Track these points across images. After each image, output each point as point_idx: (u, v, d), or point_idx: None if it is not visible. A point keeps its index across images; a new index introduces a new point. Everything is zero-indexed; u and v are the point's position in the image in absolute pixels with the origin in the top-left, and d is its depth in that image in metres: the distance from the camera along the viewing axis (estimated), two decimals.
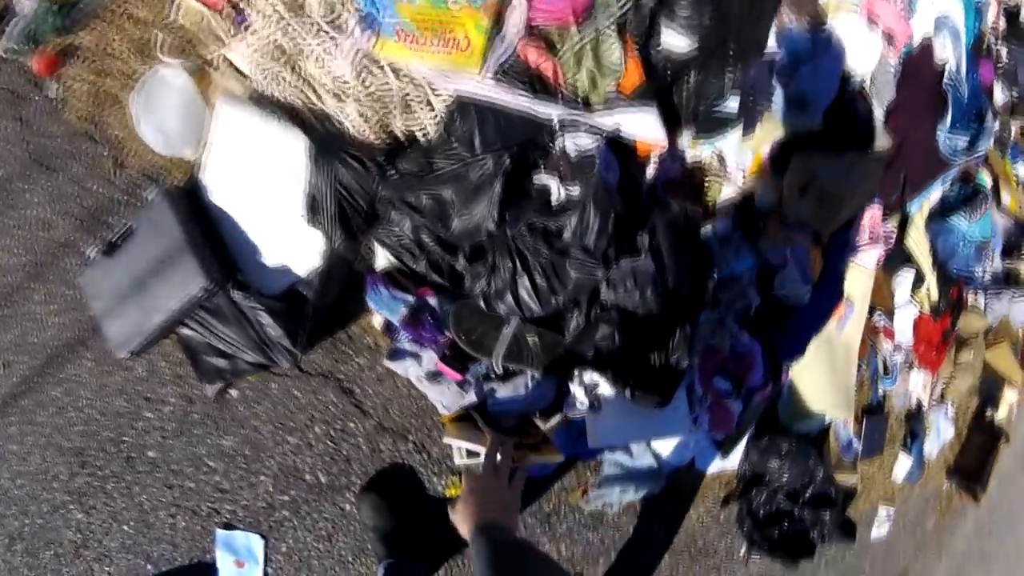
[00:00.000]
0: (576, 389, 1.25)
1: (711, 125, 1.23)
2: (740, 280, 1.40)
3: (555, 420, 1.25)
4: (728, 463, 1.60)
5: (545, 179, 1.07)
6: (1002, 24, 2.65)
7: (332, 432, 1.35)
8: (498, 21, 1.02)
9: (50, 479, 1.37)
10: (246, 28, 1.18)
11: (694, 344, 1.33)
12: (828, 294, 1.51)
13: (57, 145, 1.49)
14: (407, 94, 1.05)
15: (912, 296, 1.82)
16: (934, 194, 1.85)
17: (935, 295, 1.84)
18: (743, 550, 1.75)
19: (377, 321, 1.25)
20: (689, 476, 1.63)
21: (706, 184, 1.38)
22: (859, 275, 1.61)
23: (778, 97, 1.30)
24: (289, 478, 1.32)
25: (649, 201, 1.18)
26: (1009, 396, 2.30)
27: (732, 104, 1.21)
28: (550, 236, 1.05)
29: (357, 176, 1.06)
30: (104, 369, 1.37)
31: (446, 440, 0.70)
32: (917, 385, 1.93)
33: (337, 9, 1.06)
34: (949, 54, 1.73)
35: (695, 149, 1.27)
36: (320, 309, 1.15)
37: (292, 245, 1.14)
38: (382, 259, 1.16)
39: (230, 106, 1.15)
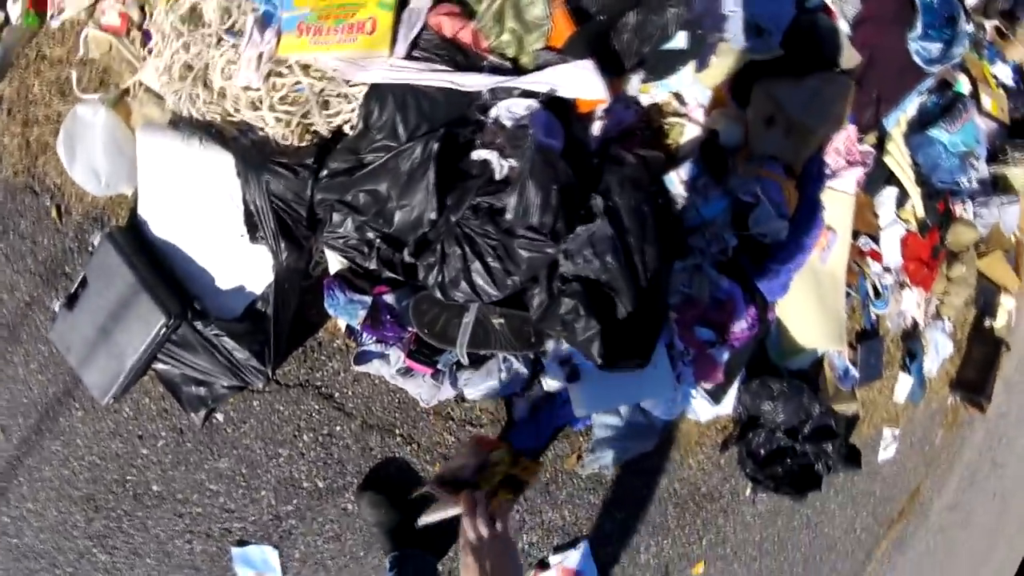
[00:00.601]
0: (551, 363, 1.22)
1: (661, 65, 1.15)
2: (713, 223, 1.34)
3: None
4: (721, 409, 1.57)
5: (484, 154, 1.01)
6: None
7: (320, 438, 1.35)
8: None
9: (69, 528, 1.41)
10: (149, 51, 1.11)
11: (669, 296, 1.29)
12: (807, 226, 1.43)
13: (0, 204, 1.46)
14: (322, 90, 0.99)
15: (897, 215, 1.74)
16: (911, 107, 1.73)
17: (921, 211, 1.75)
18: (748, 490, 1.76)
19: (342, 324, 1.22)
20: (684, 426, 1.62)
21: (666, 127, 1.31)
22: (838, 201, 1.53)
23: (732, 25, 1.20)
24: (288, 488, 1.34)
25: (601, 159, 1.12)
26: (1006, 303, 2.22)
27: (680, 40, 1.12)
28: (496, 215, 1.00)
29: (290, 184, 1.02)
30: (94, 416, 1.38)
31: (423, 523, 0.67)
32: (911, 304, 1.87)
33: (233, 14, 0.99)
34: None
35: (647, 93, 1.19)
36: (282, 322, 1.13)
37: (242, 265, 1.11)
38: (335, 262, 1.13)
39: (150, 134, 1.10)
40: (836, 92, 1.30)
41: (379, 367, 1.17)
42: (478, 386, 1.18)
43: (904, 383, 1.96)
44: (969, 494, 2.66)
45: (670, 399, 1.42)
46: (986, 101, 2.10)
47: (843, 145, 1.51)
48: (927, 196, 1.77)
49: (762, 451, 1.68)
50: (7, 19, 1.47)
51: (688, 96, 1.27)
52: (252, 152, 1.03)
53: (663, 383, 1.30)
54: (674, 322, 1.33)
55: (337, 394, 1.34)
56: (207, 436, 1.32)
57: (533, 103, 0.97)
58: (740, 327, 1.42)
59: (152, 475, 1.36)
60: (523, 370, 1.22)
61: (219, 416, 1.31)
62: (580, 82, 0.97)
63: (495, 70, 0.98)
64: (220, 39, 1.00)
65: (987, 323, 2.22)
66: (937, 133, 1.71)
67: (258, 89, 0.99)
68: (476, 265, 1.01)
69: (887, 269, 1.77)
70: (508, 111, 0.97)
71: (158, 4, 1.10)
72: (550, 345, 1.23)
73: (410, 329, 1.11)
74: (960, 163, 1.75)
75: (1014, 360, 2.50)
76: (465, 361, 1.11)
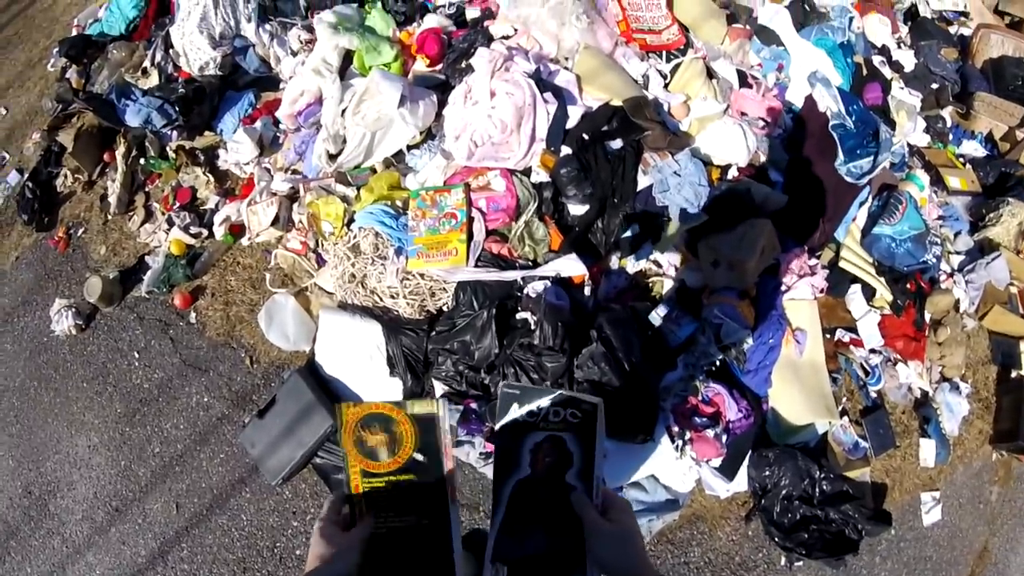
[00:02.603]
0: None
1: (628, 247, 2.49)
2: (698, 343, 2.56)
3: None
4: (737, 485, 2.62)
5: (523, 315, 2.35)
6: (904, 31, 3.89)
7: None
8: (470, 234, 2.37)
9: None
10: (323, 264, 2.62)
11: (670, 399, 2.48)
12: (769, 330, 2.61)
13: (203, 354, 3.00)
14: (431, 287, 2.41)
15: (871, 305, 2.85)
16: (860, 216, 2.94)
17: (888, 296, 2.86)
18: (783, 559, 2.69)
19: None
20: (707, 502, 2.67)
21: (650, 284, 2.61)
22: (799, 306, 2.72)
23: (672, 209, 2.55)
24: None
25: (595, 308, 2.42)
26: None
27: (636, 228, 2.48)
28: (532, 347, 2.30)
29: (413, 340, 2.39)
30: (260, 497, 2.71)
31: None
32: (910, 376, 2.89)
33: (380, 248, 2.47)
34: (828, 101, 2.92)
35: (626, 265, 2.52)
36: None
37: (382, 390, 2.46)
38: (439, 388, 2.45)
39: (328, 313, 2.56)
40: (757, 231, 2.53)
41: (468, 451, 2.43)
42: None
43: (927, 447, 2.88)
44: None
45: (680, 471, 2.52)
46: (954, 181, 3.29)
47: (795, 264, 2.74)
48: (894, 282, 2.89)
49: (786, 520, 2.66)
50: (212, 234, 3.12)
51: (663, 260, 2.59)
52: (391, 323, 2.44)
53: (665, 454, 2.44)
54: (671, 412, 2.49)
55: None
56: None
57: (546, 282, 2.33)
58: (736, 415, 2.55)
59: (298, 542, 2.62)
60: None
61: None
62: (570, 266, 2.33)
63: (524, 267, 2.36)
64: (373, 260, 2.47)
65: (1013, 374, 3.12)
66: (880, 229, 2.87)
67: (396, 287, 2.42)
68: (523, 378, 2.30)
69: (873, 351, 2.84)
70: (533, 289, 2.33)
71: (331, 239, 2.62)
72: None
73: (487, 424, 2.37)
74: (914, 245, 2.87)
75: None
76: None
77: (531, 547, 0.81)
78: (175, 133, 3.49)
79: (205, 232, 3.15)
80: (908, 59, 3.75)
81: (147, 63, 3.85)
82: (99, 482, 2.98)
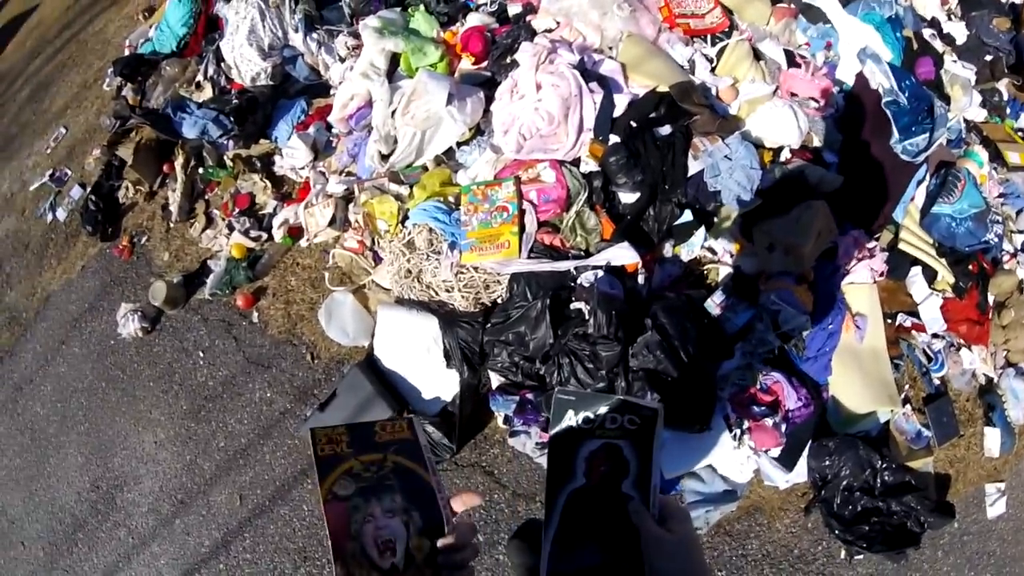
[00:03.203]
0: None
1: (681, 234, 2.48)
2: (756, 330, 2.53)
3: None
4: (796, 477, 2.57)
5: (577, 304, 2.37)
6: (954, 2, 3.74)
7: (483, 504, 2.61)
8: (522, 226, 2.40)
9: (277, 574, 2.73)
10: (379, 262, 2.69)
11: (728, 388, 2.45)
12: (827, 315, 2.55)
13: (266, 351, 3.11)
14: (485, 280, 2.45)
15: (932, 288, 2.75)
16: (918, 195, 2.84)
17: (950, 278, 2.76)
18: (842, 552, 2.63)
19: (500, 419, 2.55)
20: (765, 493, 2.63)
21: (706, 271, 2.58)
22: (859, 291, 2.65)
23: (725, 195, 2.52)
24: None
25: (650, 297, 2.42)
26: None
27: (688, 216, 2.46)
28: (587, 337, 2.32)
29: (469, 332, 2.44)
30: None
31: None
32: (974, 361, 2.78)
33: (434, 243, 2.52)
34: (880, 77, 2.84)
35: (680, 252, 2.51)
36: (464, 417, 2.49)
37: (439, 382, 2.52)
38: (495, 379, 2.49)
39: (386, 308, 2.63)
40: (812, 214, 2.48)
41: (524, 441, 2.46)
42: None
43: (992, 436, 2.77)
44: None
45: (738, 461, 2.49)
46: (1014, 156, 3.15)
47: (853, 247, 2.67)
48: (955, 263, 2.78)
49: (846, 512, 2.60)
50: (271, 237, 3.24)
51: (718, 246, 2.56)
52: (446, 316, 2.49)
53: (723, 443, 2.41)
54: (729, 401, 2.46)
55: (496, 471, 2.62)
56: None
57: (599, 272, 2.33)
58: (795, 404, 2.50)
59: None
60: None
61: None
62: (622, 255, 2.33)
63: (576, 257, 2.38)
64: (428, 256, 2.53)
65: None
66: (939, 208, 2.77)
67: (450, 281, 2.47)
68: (578, 367, 2.31)
69: (935, 336, 2.75)
70: (586, 278, 2.34)
71: (386, 236, 2.69)
72: None
73: (543, 414, 2.40)
74: (975, 224, 2.75)
75: None
76: None
77: (586, 560, 0.77)
78: (231, 142, 3.64)
79: (265, 235, 3.28)
80: (959, 31, 3.60)
81: (200, 77, 4.03)
82: (165, 476, 3.13)
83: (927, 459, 2.70)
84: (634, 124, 2.47)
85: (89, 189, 3.90)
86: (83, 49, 5.30)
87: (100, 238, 3.81)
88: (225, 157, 3.64)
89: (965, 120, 3.35)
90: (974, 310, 2.80)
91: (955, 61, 3.46)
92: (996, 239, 2.89)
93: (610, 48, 2.80)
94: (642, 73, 2.64)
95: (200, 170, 3.66)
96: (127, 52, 4.53)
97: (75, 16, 5.77)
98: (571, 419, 0.77)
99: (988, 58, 3.62)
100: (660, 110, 2.51)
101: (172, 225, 3.67)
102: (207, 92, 3.94)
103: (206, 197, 3.66)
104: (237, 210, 3.41)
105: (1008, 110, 3.55)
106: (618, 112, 2.52)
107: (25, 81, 5.61)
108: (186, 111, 3.70)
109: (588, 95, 2.51)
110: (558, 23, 2.91)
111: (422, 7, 3.31)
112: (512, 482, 2.60)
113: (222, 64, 3.93)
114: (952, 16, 3.79)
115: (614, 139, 2.47)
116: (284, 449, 2.93)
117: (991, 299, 2.92)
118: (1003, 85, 3.59)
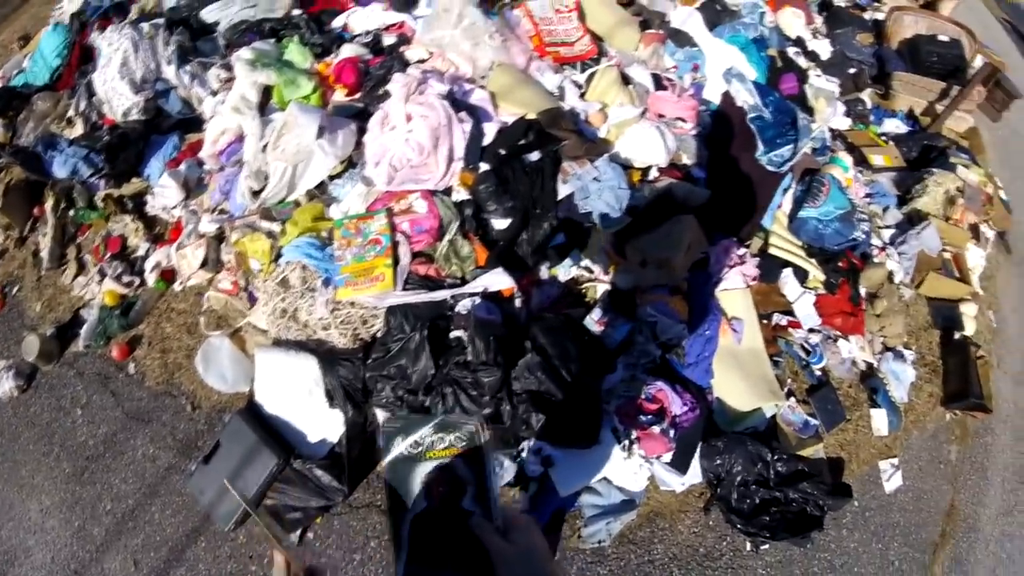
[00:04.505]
0: (529, 455, 2.41)
1: (556, 256, 2.51)
2: (636, 342, 2.58)
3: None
4: (691, 478, 2.64)
5: (456, 333, 2.34)
6: (819, 21, 4.04)
7: (382, 543, 2.53)
8: (396, 258, 2.36)
9: None
10: (255, 303, 2.58)
11: (614, 400, 2.49)
12: (704, 322, 2.64)
13: (145, 404, 2.92)
14: (362, 315, 2.38)
15: (804, 287, 2.91)
16: (786, 202, 3.01)
17: (821, 276, 2.93)
18: (748, 545, 2.71)
19: None
20: (663, 498, 2.68)
21: (583, 290, 2.62)
22: (733, 296, 2.76)
23: (595, 216, 2.57)
24: None
25: (528, 319, 2.43)
26: (969, 311, 3.24)
27: (561, 237, 2.49)
28: (468, 365, 2.29)
29: (351, 370, 2.36)
30: (215, 545, 2.64)
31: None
32: (852, 350, 2.95)
33: (308, 280, 2.44)
34: (744, 95, 2.98)
35: (556, 274, 2.53)
36: (352, 457, 2.40)
37: (324, 423, 2.42)
38: (381, 416, 2.42)
39: (263, 351, 2.51)
40: (681, 227, 2.57)
41: None
42: None
43: (879, 417, 2.94)
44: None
45: (631, 471, 2.53)
46: (878, 159, 3.40)
47: (725, 255, 2.79)
48: (825, 262, 2.96)
49: (745, 506, 2.68)
50: (143, 282, 3.06)
51: (595, 266, 2.61)
52: (326, 355, 2.41)
53: (614, 456, 2.44)
54: (615, 414, 2.50)
55: None
56: (301, 549, 2.53)
57: (476, 299, 2.32)
58: (680, 409, 2.57)
59: None
60: (510, 467, 2.40)
61: (310, 534, 2.54)
62: (497, 281, 2.33)
63: (452, 286, 2.36)
64: (302, 294, 2.44)
65: (956, 335, 3.21)
66: (806, 212, 2.95)
67: (327, 318, 2.39)
68: (462, 396, 2.28)
69: (812, 331, 2.90)
70: (463, 306, 2.32)
71: (260, 276, 2.59)
72: (528, 444, 2.43)
73: None
74: (842, 224, 2.94)
75: (1016, 354, 3.38)
76: None
77: None
78: (102, 182, 3.43)
79: (137, 280, 3.08)
80: (824, 48, 3.88)
81: (71, 112, 3.79)
82: (55, 546, 2.87)
83: (818, 446, 2.83)
84: (503, 152, 2.49)
85: None
86: None
87: None
88: (96, 198, 3.42)
89: (831, 129, 3.59)
90: (847, 303, 2.97)
91: (819, 75, 3.72)
92: (864, 236, 3.09)
93: (482, 77, 2.82)
94: (511, 101, 2.67)
95: (71, 212, 3.42)
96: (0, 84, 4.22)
97: None
98: (400, 446, 0.78)
99: (852, 71, 3.91)
100: (529, 137, 2.54)
101: (44, 273, 3.41)
102: (79, 128, 3.71)
103: (78, 241, 3.41)
104: (109, 254, 3.19)
105: (872, 117, 3.83)
106: (488, 140, 2.54)
107: None
108: (57, 149, 3.47)
109: (458, 125, 2.51)
110: (431, 53, 2.91)
111: (296, 38, 3.23)
112: None
113: (94, 98, 3.71)
114: (817, 34, 4.07)
115: (484, 167, 2.48)
116: (173, 507, 2.74)
117: (863, 291, 3.12)
118: (867, 95, 3.87)
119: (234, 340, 2.65)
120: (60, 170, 3.41)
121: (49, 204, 3.44)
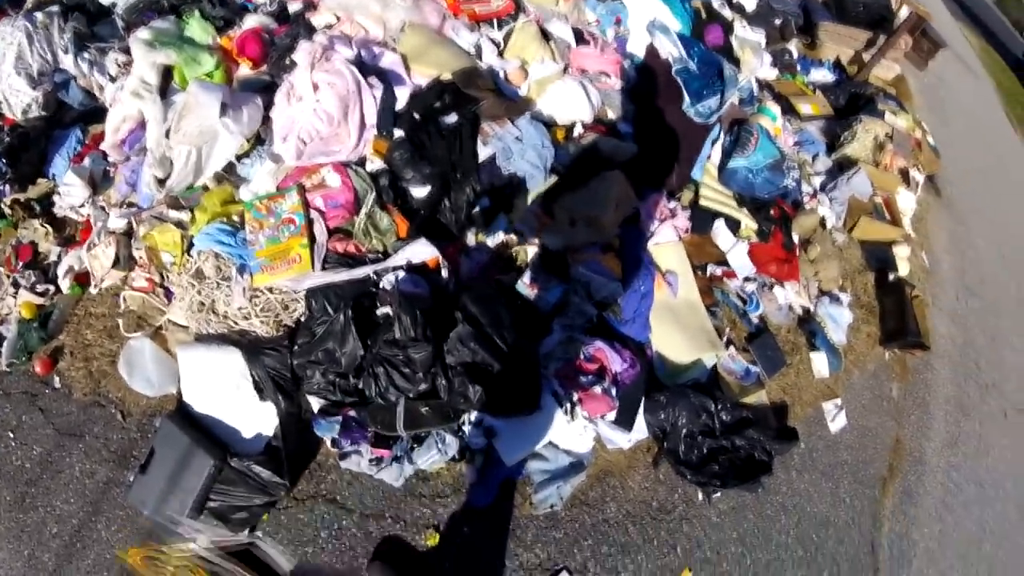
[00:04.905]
0: (470, 428, 2.36)
1: (483, 220, 2.42)
2: (571, 303, 2.52)
3: None
4: (637, 434, 2.63)
5: (383, 309, 2.25)
6: None
7: (333, 532, 2.47)
8: (312, 237, 2.24)
9: None
10: (172, 298, 2.44)
11: (553, 363, 2.44)
12: (638, 277, 2.60)
13: (75, 418, 2.77)
14: (283, 299, 2.27)
15: (737, 236, 2.89)
16: (715, 153, 2.97)
17: (754, 225, 2.91)
18: (699, 495, 2.73)
19: (328, 443, 2.40)
20: (611, 457, 2.66)
21: (514, 254, 2.54)
22: (666, 250, 2.72)
23: (523, 172, 2.49)
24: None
25: (458, 289, 2.34)
26: (901, 252, 3.29)
27: (485, 201, 2.40)
28: (397, 342, 2.21)
29: (277, 359, 2.26)
30: None
31: None
32: (788, 296, 2.96)
33: (223, 269, 2.31)
34: (669, 47, 2.92)
35: (484, 240, 2.44)
36: (290, 448, 2.31)
37: (257, 417, 2.32)
38: (315, 403, 2.33)
39: (185, 348, 2.39)
40: (609, 184, 2.52)
41: (358, 461, 2.32)
42: (424, 456, 2.31)
43: (819, 360, 2.98)
44: (968, 424, 3.46)
45: (576, 432, 2.50)
46: (806, 108, 3.38)
47: (655, 210, 2.74)
48: (756, 210, 2.94)
49: (693, 457, 2.68)
50: (59, 289, 2.88)
51: (524, 228, 2.53)
52: (250, 346, 2.29)
53: (558, 420, 2.40)
54: (554, 376, 2.46)
55: (338, 497, 2.47)
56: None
57: (400, 272, 2.23)
58: (621, 367, 2.54)
59: None
60: (455, 439, 2.35)
61: (259, 532, 2.45)
62: (421, 252, 2.24)
63: (374, 261, 2.25)
64: (218, 284, 2.31)
65: (891, 276, 3.26)
66: (735, 162, 2.92)
67: (246, 307, 2.27)
68: (395, 375, 2.21)
69: (747, 279, 2.89)
70: (387, 281, 2.23)
71: (173, 270, 2.44)
72: (468, 417, 2.37)
73: (370, 428, 2.27)
74: (771, 173, 2.93)
75: (950, 292, 3.47)
76: (406, 438, 2.26)
77: None
78: (7, 187, 3.19)
79: (52, 288, 2.89)
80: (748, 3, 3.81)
81: None
82: None
83: (760, 392, 2.85)
84: (418, 116, 2.37)
85: None
86: None
87: None
88: (2, 204, 3.19)
89: (757, 80, 3.55)
90: (780, 250, 2.97)
91: (744, 27, 3.66)
92: (794, 184, 3.08)
93: (393, 40, 2.67)
94: (425, 63, 2.54)
95: None
96: None
97: None
98: None
99: (778, 22, 3.86)
100: (445, 98, 2.43)
101: None
102: None
103: None
104: (21, 264, 2.98)
105: (799, 67, 3.80)
106: (400, 105, 2.42)
107: None
108: None
109: (367, 91, 2.38)
110: (338, 18, 2.75)
111: (197, 13, 3.02)
112: (357, 504, 2.47)
113: None
114: None
115: (398, 133, 2.36)
116: (118, 522, 2.62)
117: (796, 238, 3.12)
118: (793, 45, 3.83)
119: (156, 340, 2.51)
120: None
121: None
